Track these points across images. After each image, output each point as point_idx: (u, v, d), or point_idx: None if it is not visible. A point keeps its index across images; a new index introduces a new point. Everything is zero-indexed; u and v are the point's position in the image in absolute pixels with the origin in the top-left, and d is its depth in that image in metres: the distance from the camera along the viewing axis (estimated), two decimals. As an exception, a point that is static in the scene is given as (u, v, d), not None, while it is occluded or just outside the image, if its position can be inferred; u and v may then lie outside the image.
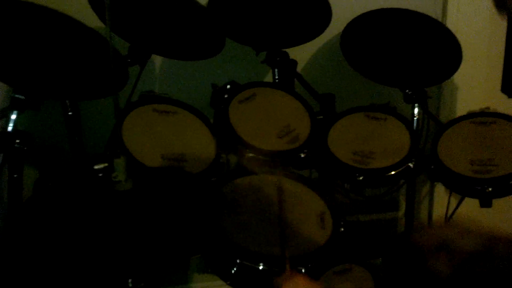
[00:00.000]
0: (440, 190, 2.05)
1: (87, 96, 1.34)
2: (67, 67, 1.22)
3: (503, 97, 1.65)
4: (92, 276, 0.95)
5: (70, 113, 1.35)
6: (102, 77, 1.18)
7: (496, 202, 1.47)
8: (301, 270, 1.22)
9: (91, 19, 1.35)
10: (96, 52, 1.21)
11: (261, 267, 1.20)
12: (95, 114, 1.61)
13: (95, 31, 1.25)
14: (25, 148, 1.14)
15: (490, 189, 1.44)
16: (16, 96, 1.17)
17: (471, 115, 1.63)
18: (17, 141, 1.14)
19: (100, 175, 1.02)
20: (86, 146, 1.45)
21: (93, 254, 0.95)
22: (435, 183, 2.05)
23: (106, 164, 1.01)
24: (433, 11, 1.88)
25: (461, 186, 1.50)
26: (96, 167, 1.02)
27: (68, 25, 1.22)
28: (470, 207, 1.93)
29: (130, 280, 1.00)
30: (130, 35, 1.48)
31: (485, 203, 1.47)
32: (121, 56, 1.39)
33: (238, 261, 1.20)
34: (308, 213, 1.38)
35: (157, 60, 1.78)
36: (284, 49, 1.69)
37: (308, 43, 1.73)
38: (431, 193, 2.10)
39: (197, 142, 1.42)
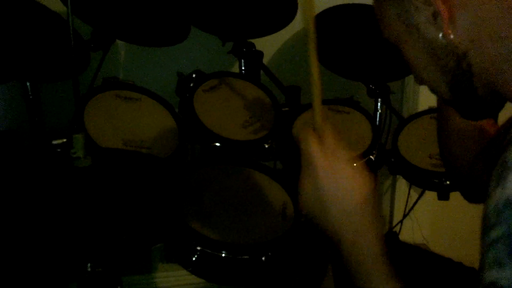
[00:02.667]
0: (401, 184, 2.10)
1: (47, 78, 1.31)
2: (28, 49, 1.20)
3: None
4: (49, 258, 0.93)
5: (30, 97, 1.32)
6: (62, 60, 1.16)
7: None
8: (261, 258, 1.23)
9: (55, 3, 1.32)
10: (57, 35, 1.19)
11: (223, 255, 1.21)
12: (57, 98, 1.57)
13: (57, 14, 1.23)
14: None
15: (447, 182, 1.48)
16: (-26, 77, 1.14)
17: (431, 111, 1.67)
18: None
19: (59, 150, 1.00)
20: (47, 130, 1.42)
21: (51, 233, 0.94)
22: (397, 176, 2.09)
23: (64, 140, 0.99)
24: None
25: (420, 179, 1.54)
26: (54, 142, 0.99)
27: (30, 8, 1.19)
28: (429, 200, 1.99)
29: (89, 264, 0.99)
30: (93, 20, 1.46)
31: (443, 195, 1.51)
32: (83, 39, 1.36)
33: (199, 248, 1.20)
34: (271, 204, 1.38)
35: (122, 46, 1.76)
36: (251, 40, 1.69)
37: (275, 35, 1.74)
38: (393, 186, 2.14)
39: (160, 130, 1.41)
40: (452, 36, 0.65)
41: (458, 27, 0.65)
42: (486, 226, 0.57)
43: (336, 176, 0.71)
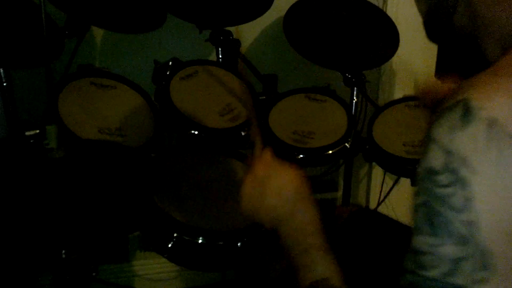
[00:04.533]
0: (377, 171, 2.13)
1: (20, 65, 1.29)
2: (0, 35, 1.18)
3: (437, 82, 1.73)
4: (24, 246, 0.93)
5: (4, 84, 1.30)
6: (35, 46, 1.14)
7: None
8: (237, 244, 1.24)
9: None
10: (30, 21, 1.18)
11: (199, 241, 1.21)
12: (31, 85, 1.56)
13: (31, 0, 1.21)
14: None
15: (420, 169, 1.51)
16: None
17: (405, 99, 1.70)
18: None
19: (32, 141, 0.99)
20: (21, 117, 1.41)
21: (25, 222, 0.93)
22: (373, 164, 2.12)
23: (37, 131, 0.99)
24: (375, -1, 1.93)
25: (394, 166, 1.57)
26: (27, 133, 0.99)
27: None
28: (405, 187, 2.02)
29: (63, 251, 0.99)
30: (67, 6, 1.44)
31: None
32: (57, 26, 1.35)
33: (175, 235, 1.21)
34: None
35: (98, 33, 1.74)
36: (228, 28, 1.69)
37: (252, 24, 1.74)
38: (369, 174, 2.17)
39: (136, 118, 1.41)
40: None
41: None
42: (414, 194, 0.62)
43: (272, 174, 0.84)
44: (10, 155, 1.05)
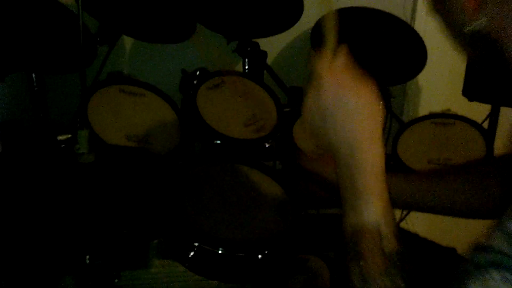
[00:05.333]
0: (399, 188, 2.11)
1: (54, 70, 1.32)
2: (35, 41, 1.21)
3: (464, 100, 1.71)
4: (50, 249, 0.94)
5: (36, 88, 1.33)
6: (70, 53, 1.17)
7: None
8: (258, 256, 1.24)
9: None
10: (65, 28, 1.20)
11: (220, 252, 1.22)
12: (62, 90, 1.59)
13: (66, 7, 1.24)
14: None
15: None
16: (-19, 66, 1.15)
17: (431, 116, 1.68)
18: (-20, 112, 1.13)
19: (63, 146, 1.01)
20: (51, 122, 1.44)
21: (52, 227, 0.95)
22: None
23: (69, 136, 1.01)
24: (403, 13, 1.93)
25: (418, 184, 1.55)
26: (59, 137, 1.01)
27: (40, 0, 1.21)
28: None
29: (87, 257, 1.00)
30: (101, 14, 1.47)
31: (440, 200, 1.52)
32: (91, 33, 1.38)
33: (196, 244, 1.21)
34: (269, 203, 1.39)
35: (128, 41, 1.77)
36: (255, 40, 1.70)
37: (279, 36, 1.75)
38: (390, 191, 2.15)
39: (162, 126, 1.43)
40: None
41: None
42: None
43: (341, 89, 0.71)
44: (41, 159, 1.07)
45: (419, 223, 2.09)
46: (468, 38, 0.65)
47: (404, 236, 1.23)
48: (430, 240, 1.19)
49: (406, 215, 1.90)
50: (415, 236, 1.26)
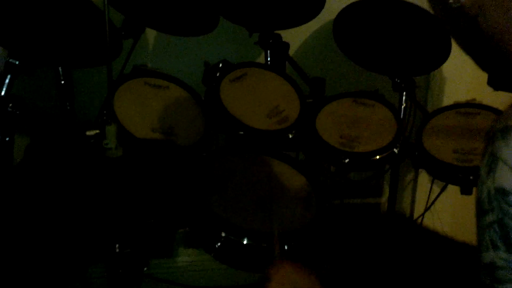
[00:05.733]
0: (423, 179, 2.10)
1: (80, 64, 1.34)
2: (62, 35, 1.23)
3: (489, 89, 1.68)
4: (81, 238, 0.97)
5: (62, 82, 1.36)
6: (96, 47, 1.19)
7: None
8: (284, 247, 1.25)
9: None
10: (91, 23, 1.22)
11: (245, 242, 1.23)
12: (88, 84, 1.62)
13: (91, 2, 1.26)
14: (18, 113, 1.15)
15: (471, 177, 1.48)
16: (11, 60, 1.18)
17: (456, 106, 1.67)
18: (10, 105, 1.15)
19: (92, 141, 1.03)
20: (77, 114, 1.46)
21: (82, 217, 0.97)
22: (419, 171, 2.09)
23: (97, 131, 1.03)
24: (427, 3, 1.90)
25: (443, 173, 1.54)
26: (88, 133, 1.03)
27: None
28: (450, 195, 1.98)
29: (117, 245, 1.03)
30: (125, 8, 1.49)
31: (466, 190, 1.51)
32: (116, 28, 1.40)
33: (223, 234, 1.23)
34: (294, 194, 1.40)
35: (151, 34, 1.79)
36: (277, 32, 1.70)
37: (301, 27, 1.75)
38: (415, 181, 2.14)
39: (187, 118, 1.44)
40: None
41: None
42: (481, 211, 0.63)
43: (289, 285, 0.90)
44: (70, 151, 1.09)
45: (444, 212, 2.08)
46: (451, 13, 0.69)
47: (424, 235, 1.23)
48: (452, 238, 1.18)
49: (432, 202, 1.89)
50: (435, 234, 1.25)
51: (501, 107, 1.73)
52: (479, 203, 0.63)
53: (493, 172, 0.60)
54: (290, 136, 1.49)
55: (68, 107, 1.37)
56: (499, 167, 0.59)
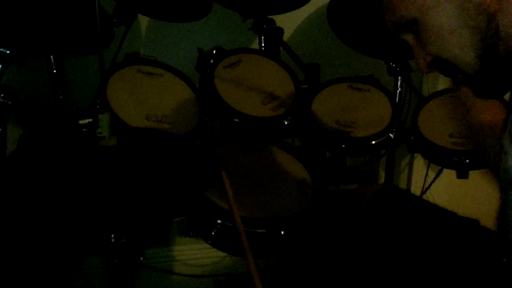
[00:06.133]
0: (419, 163, 2.10)
1: (72, 52, 1.32)
2: (53, 22, 1.21)
3: (485, 72, 1.68)
4: (75, 229, 0.96)
5: (54, 71, 1.34)
6: (87, 34, 1.17)
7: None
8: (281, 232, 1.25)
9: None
10: (82, 9, 1.20)
11: (242, 229, 1.23)
12: (80, 72, 1.60)
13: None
14: (9, 103, 1.13)
15: (467, 160, 1.48)
16: (1, 50, 1.16)
17: (451, 89, 1.66)
18: (1, 95, 1.14)
19: (85, 130, 1.02)
20: (70, 103, 1.45)
21: (77, 208, 0.96)
22: (415, 156, 2.09)
23: (90, 120, 1.01)
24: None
25: (439, 157, 1.54)
26: (80, 122, 1.02)
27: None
28: (446, 179, 1.99)
29: (112, 235, 1.02)
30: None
31: (462, 174, 1.51)
32: (107, 14, 1.38)
33: (219, 221, 1.23)
34: (289, 180, 1.40)
35: (144, 21, 1.77)
36: (271, 17, 1.68)
37: (295, 12, 1.73)
38: (410, 165, 2.14)
39: (181, 105, 1.43)
40: None
41: None
42: (508, 183, 0.61)
43: None
44: (63, 140, 1.08)
45: (441, 195, 2.08)
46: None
47: (425, 207, 1.22)
48: (452, 211, 1.18)
49: (428, 186, 1.89)
50: (435, 206, 1.25)
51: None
52: (506, 174, 0.61)
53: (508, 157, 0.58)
54: (286, 122, 1.49)
55: (61, 97, 1.36)
56: None
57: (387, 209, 1.19)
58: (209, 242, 1.26)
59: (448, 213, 1.17)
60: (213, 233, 1.24)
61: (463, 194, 2.12)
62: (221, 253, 1.41)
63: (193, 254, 1.98)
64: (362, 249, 1.19)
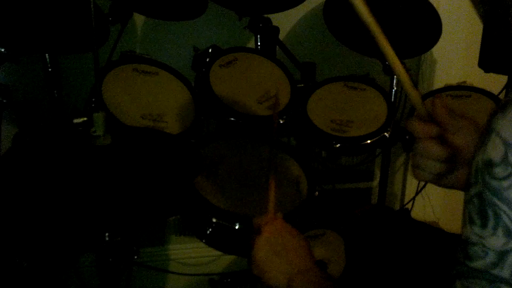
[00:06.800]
0: (414, 162, 2.10)
1: (67, 50, 1.32)
2: (48, 21, 1.21)
3: (480, 71, 1.68)
4: (70, 228, 0.96)
5: (49, 69, 1.34)
6: (82, 33, 1.17)
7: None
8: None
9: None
10: (77, 7, 1.20)
11: (237, 227, 1.23)
12: (75, 71, 1.59)
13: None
14: (4, 101, 1.13)
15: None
16: (-4, 48, 1.16)
17: (447, 88, 1.66)
18: (-4, 94, 1.14)
19: (80, 129, 1.02)
20: (65, 102, 1.45)
21: (71, 206, 0.96)
22: (410, 154, 2.09)
23: (85, 119, 1.01)
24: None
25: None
26: (75, 121, 1.02)
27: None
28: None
29: (107, 234, 1.02)
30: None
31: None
32: (103, 12, 1.37)
33: (214, 220, 1.23)
34: (284, 178, 1.40)
35: (139, 20, 1.76)
36: (267, 16, 1.68)
37: (291, 11, 1.73)
38: (405, 164, 2.15)
39: (177, 104, 1.43)
40: None
41: None
42: (467, 185, 0.61)
43: (284, 238, 0.91)
44: (58, 139, 1.08)
45: (435, 195, 2.09)
46: None
47: (413, 226, 1.23)
48: (439, 228, 1.19)
49: (424, 186, 1.90)
50: (422, 224, 1.26)
51: (491, 89, 1.73)
52: (467, 178, 0.61)
53: (484, 144, 0.58)
54: (281, 121, 1.49)
55: (56, 95, 1.35)
56: (491, 139, 0.57)
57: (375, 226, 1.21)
58: (204, 240, 1.26)
59: (435, 230, 1.20)
60: (208, 232, 1.24)
61: (458, 193, 2.12)
62: (216, 252, 1.41)
63: (188, 253, 1.98)
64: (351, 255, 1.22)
